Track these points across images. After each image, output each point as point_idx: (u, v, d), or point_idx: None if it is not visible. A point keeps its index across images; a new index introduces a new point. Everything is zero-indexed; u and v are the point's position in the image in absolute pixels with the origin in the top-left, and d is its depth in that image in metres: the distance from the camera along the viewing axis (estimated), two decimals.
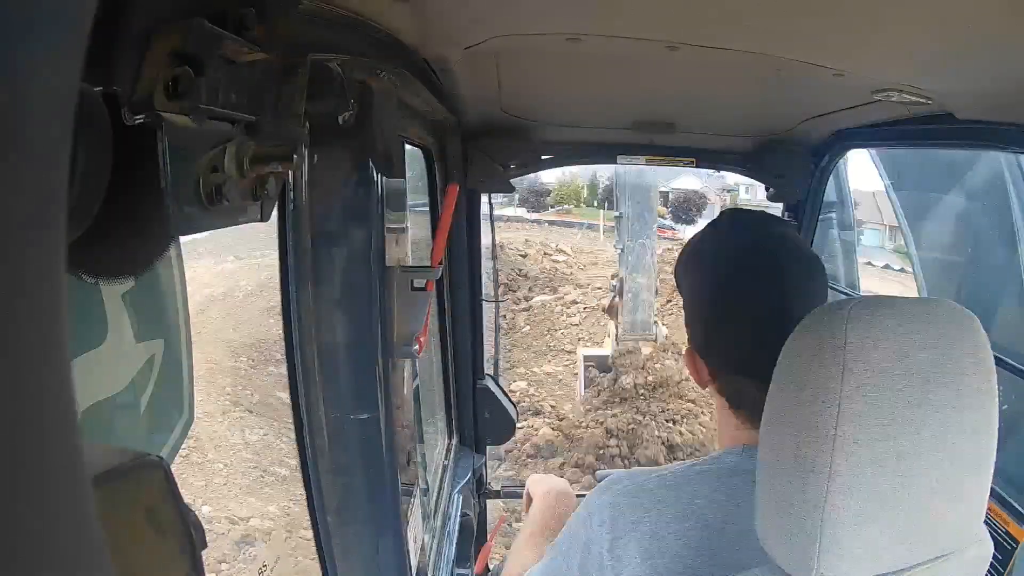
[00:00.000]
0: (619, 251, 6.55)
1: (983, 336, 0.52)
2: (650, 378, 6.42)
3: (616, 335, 6.39)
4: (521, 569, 0.97)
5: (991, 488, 0.54)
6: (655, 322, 6.20)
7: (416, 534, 1.03)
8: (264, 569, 4.11)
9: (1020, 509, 1.20)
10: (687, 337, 0.78)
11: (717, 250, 0.75)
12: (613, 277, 6.93)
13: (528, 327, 9.27)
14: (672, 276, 0.84)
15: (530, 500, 1.19)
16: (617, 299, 6.47)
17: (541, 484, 1.20)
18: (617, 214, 6.64)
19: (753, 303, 0.70)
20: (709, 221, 0.81)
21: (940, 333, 0.49)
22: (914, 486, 0.49)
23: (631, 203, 6.28)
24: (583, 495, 1.54)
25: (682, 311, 0.81)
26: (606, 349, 6.63)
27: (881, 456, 0.47)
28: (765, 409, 0.54)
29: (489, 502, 1.97)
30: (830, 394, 0.47)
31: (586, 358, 6.66)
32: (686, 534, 0.64)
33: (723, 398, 0.73)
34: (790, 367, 0.52)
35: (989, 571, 0.58)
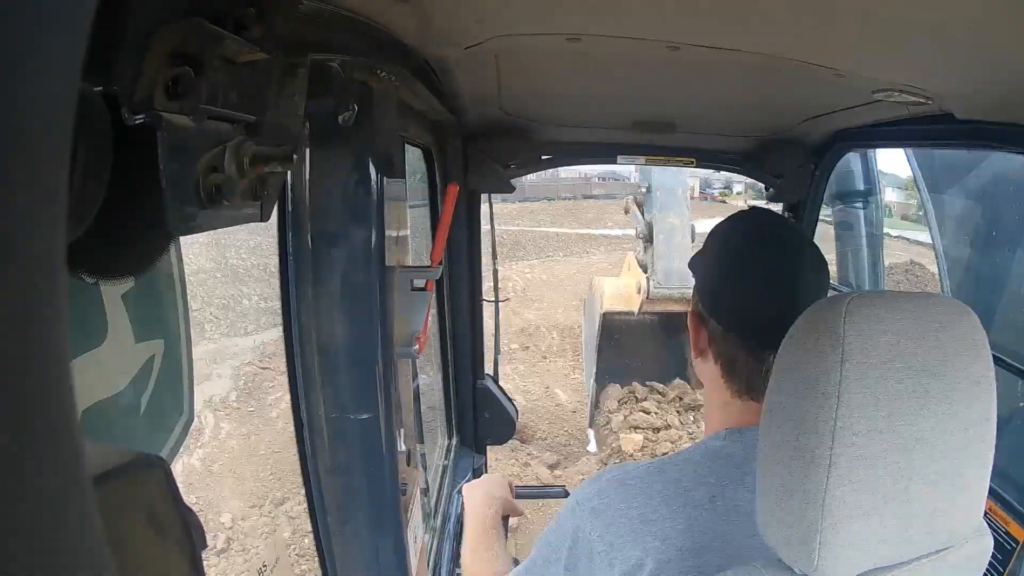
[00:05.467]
0: (643, 191, 5.05)
1: (980, 329, 0.52)
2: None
3: (646, 289, 4.73)
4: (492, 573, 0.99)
5: (991, 488, 0.54)
6: None
7: (416, 534, 1.03)
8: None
9: (1020, 509, 1.20)
10: (692, 304, 0.81)
11: (739, 225, 0.80)
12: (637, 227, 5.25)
13: None
14: None
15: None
16: (645, 246, 4.96)
17: (469, 495, 1.23)
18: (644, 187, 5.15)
19: (761, 267, 0.74)
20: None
21: (937, 327, 0.50)
22: (914, 478, 0.49)
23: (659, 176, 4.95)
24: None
25: None
26: (630, 306, 4.90)
27: (880, 448, 0.48)
28: (765, 400, 0.54)
29: None
30: (829, 387, 0.48)
31: (606, 315, 4.89)
32: (675, 516, 0.65)
33: (717, 366, 0.75)
34: (789, 360, 0.52)
35: (988, 570, 0.58)
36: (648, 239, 4.88)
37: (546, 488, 1.59)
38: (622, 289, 4.86)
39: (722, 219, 0.84)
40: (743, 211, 0.83)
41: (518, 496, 1.29)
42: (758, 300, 0.73)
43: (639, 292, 4.71)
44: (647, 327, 4.77)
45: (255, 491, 4.65)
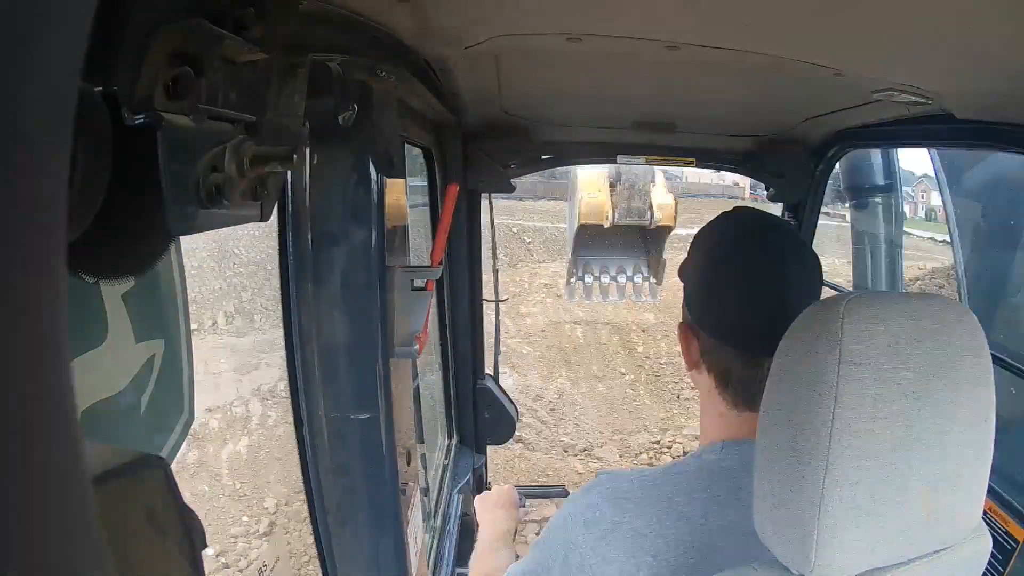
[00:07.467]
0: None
1: (979, 329, 0.52)
2: None
3: (612, 219, 6.95)
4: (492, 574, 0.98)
5: (991, 488, 0.54)
6: (649, 206, 6.62)
7: (416, 534, 1.03)
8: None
9: (1020, 509, 1.20)
10: (682, 315, 0.79)
11: (724, 227, 0.78)
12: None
13: None
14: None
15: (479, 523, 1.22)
16: (615, 186, 7.06)
17: (485, 505, 1.24)
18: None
19: (749, 271, 0.71)
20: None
21: (935, 326, 0.50)
22: (912, 478, 0.49)
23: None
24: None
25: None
26: (602, 222, 7.27)
27: (878, 448, 0.48)
28: (763, 402, 0.54)
29: None
30: (826, 387, 0.48)
31: (582, 227, 7.20)
32: (666, 532, 0.64)
33: (711, 377, 0.74)
34: (787, 361, 0.52)
35: (988, 570, 0.58)
36: (616, 182, 6.45)
37: (546, 488, 1.59)
38: (596, 207, 6.34)
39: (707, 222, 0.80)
40: (726, 213, 0.81)
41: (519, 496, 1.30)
42: (748, 306, 0.70)
43: (607, 218, 6.22)
44: (615, 232, 6.37)
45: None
